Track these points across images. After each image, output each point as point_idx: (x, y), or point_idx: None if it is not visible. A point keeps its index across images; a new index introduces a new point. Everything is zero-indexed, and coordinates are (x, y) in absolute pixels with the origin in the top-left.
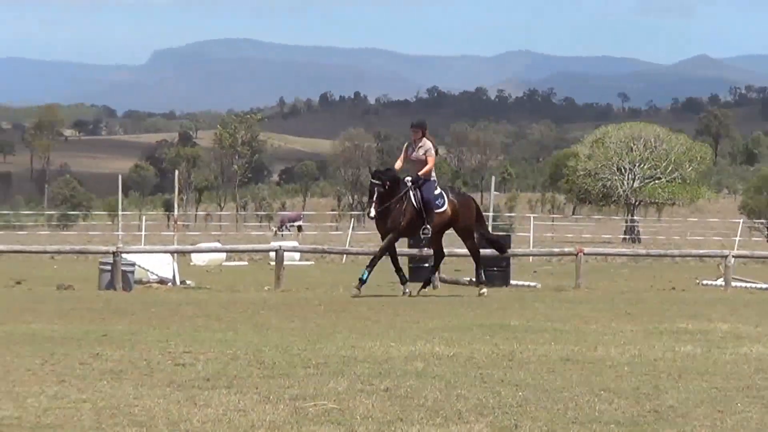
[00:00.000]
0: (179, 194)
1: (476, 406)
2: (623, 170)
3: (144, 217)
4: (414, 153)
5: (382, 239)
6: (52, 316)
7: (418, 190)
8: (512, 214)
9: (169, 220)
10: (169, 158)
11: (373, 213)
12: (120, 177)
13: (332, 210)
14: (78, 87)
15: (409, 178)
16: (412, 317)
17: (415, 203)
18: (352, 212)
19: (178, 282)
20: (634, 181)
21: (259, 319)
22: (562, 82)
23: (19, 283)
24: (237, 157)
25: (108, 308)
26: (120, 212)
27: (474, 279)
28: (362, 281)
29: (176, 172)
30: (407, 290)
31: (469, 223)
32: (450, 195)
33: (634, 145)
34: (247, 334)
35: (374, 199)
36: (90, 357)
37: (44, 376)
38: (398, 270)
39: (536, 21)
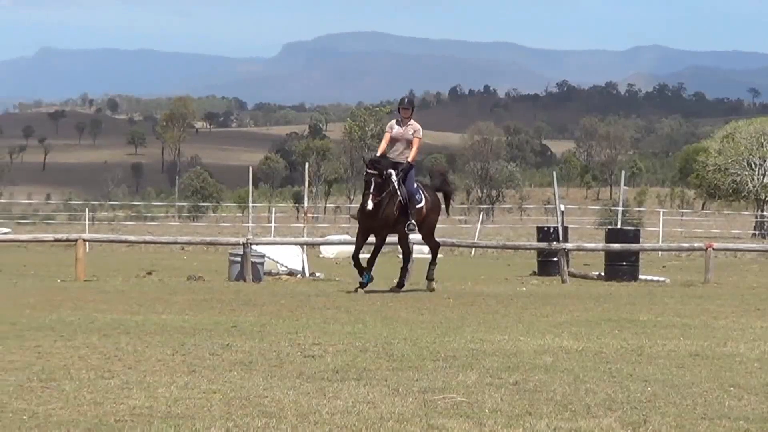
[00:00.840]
0: (309, 186)
1: (605, 401)
2: (753, 165)
3: (273, 209)
4: (403, 132)
5: (375, 235)
6: (182, 306)
7: (402, 182)
8: (641, 209)
9: (298, 212)
10: (299, 150)
11: (370, 205)
12: (250, 169)
13: (461, 203)
14: (209, 79)
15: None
16: (541, 311)
17: (401, 196)
18: (481, 206)
19: (307, 274)
20: (764, 177)
21: (387, 312)
22: (692, 77)
23: (150, 273)
24: (366, 149)
25: (237, 299)
26: (250, 204)
27: (602, 273)
28: (363, 285)
29: (306, 164)
30: (360, 289)
31: (434, 225)
32: (425, 192)
33: (764, 140)
34: (376, 326)
35: (371, 190)
36: (220, 348)
37: (175, 367)
38: (370, 266)
39: (667, 15)
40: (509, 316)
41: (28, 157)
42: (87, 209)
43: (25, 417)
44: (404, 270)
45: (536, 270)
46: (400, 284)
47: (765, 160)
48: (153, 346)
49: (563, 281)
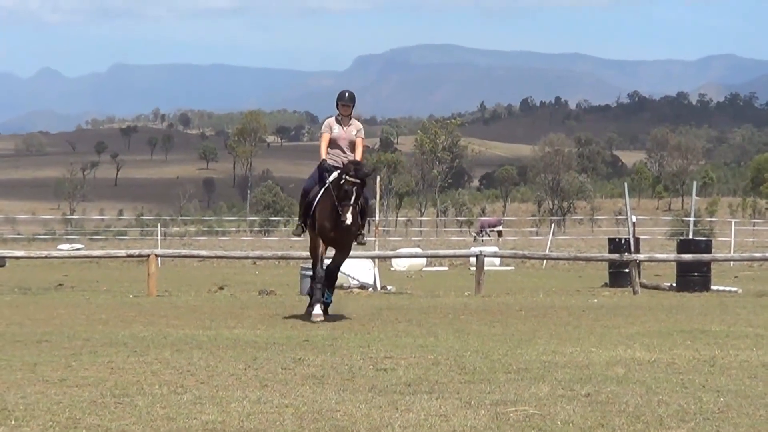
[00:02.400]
0: (380, 200)
1: (677, 412)
2: None
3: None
4: (345, 132)
5: (339, 248)
6: (254, 321)
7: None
8: (713, 219)
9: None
10: (370, 163)
11: (350, 219)
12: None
13: (532, 215)
14: (280, 93)
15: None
16: (613, 322)
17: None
18: (553, 217)
19: (378, 287)
20: None
21: (459, 324)
22: (765, 86)
23: (221, 288)
24: (437, 162)
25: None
26: None
27: (674, 284)
28: (326, 304)
29: (377, 177)
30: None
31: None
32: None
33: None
34: (447, 339)
35: (352, 202)
36: (292, 362)
37: (247, 381)
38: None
39: (741, 24)
40: (581, 327)
41: (100, 173)
42: (159, 224)
43: None
44: (324, 288)
45: (608, 281)
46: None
47: None
48: (225, 361)
49: (635, 292)
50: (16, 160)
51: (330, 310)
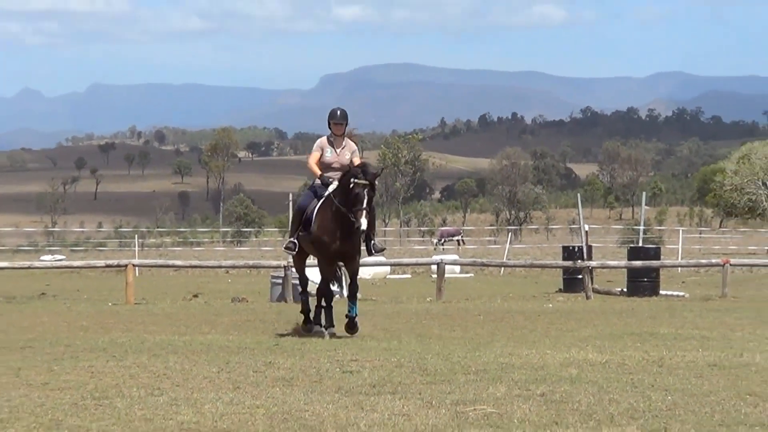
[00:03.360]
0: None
1: (627, 410)
2: None
3: None
4: (339, 156)
5: (347, 260)
6: (227, 327)
7: None
8: (662, 228)
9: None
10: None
11: (365, 225)
12: (290, 195)
13: (491, 225)
14: (250, 111)
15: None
16: (566, 326)
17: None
18: (510, 227)
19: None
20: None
21: (421, 329)
22: (710, 101)
23: (196, 296)
24: (400, 175)
25: (279, 319)
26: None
27: (624, 289)
28: (351, 318)
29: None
30: (329, 332)
31: None
32: None
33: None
34: (410, 342)
35: (364, 206)
36: (263, 365)
37: (220, 384)
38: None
39: (688, 43)
40: (536, 331)
41: (80, 187)
42: (136, 236)
43: None
44: (354, 290)
45: (562, 287)
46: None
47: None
48: (199, 365)
49: (588, 297)
50: (0, 175)
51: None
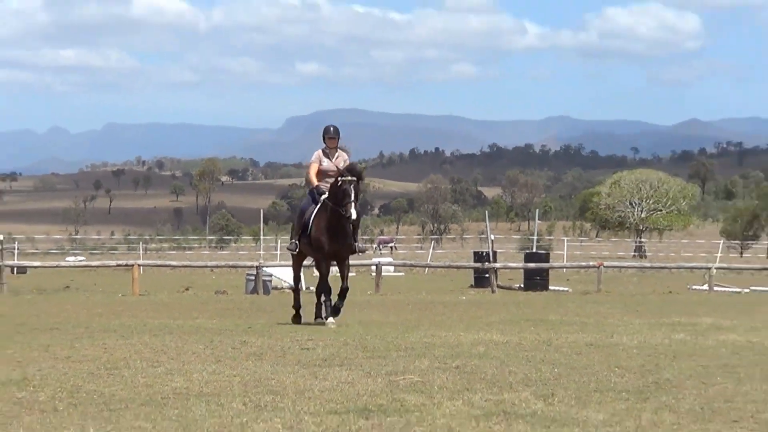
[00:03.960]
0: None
1: (523, 379)
2: (634, 204)
3: (279, 241)
4: (334, 163)
5: (339, 260)
6: (211, 313)
7: None
8: (551, 237)
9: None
10: (298, 197)
11: (354, 214)
12: (261, 211)
13: (417, 235)
14: (230, 145)
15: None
16: (476, 314)
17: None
18: (432, 236)
19: (304, 288)
20: (642, 213)
21: (362, 316)
22: (589, 140)
23: (187, 289)
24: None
25: (252, 308)
26: (261, 237)
27: (522, 285)
28: (336, 312)
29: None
30: (329, 322)
31: None
32: None
33: (642, 186)
34: (354, 326)
35: (352, 198)
36: (239, 343)
37: (205, 357)
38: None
39: (572, 93)
40: (453, 317)
41: (97, 204)
42: (141, 242)
43: (95, 396)
44: (345, 290)
45: (473, 283)
46: (336, 309)
47: (642, 201)
48: (189, 343)
49: (493, 291)
50: (35, 194)
51: (274, 307)
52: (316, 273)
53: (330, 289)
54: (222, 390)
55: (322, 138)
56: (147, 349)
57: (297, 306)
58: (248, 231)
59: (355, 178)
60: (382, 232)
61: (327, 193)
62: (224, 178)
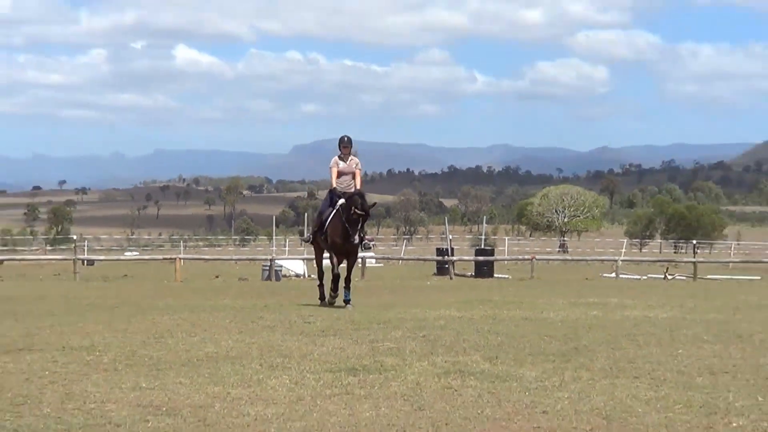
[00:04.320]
0: (307, 226)
1: (473, 346)
2: (558, 212)
3: (288, 240)
4: (346, 165)
5: (349, 256)
6: (235, 295)
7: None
8: (495, 237)
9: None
10: (302, 206)
11: (357, 240)
12: (274, 217)
13: (393, 235)
14: (250, 166)
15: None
16: (438, 295)
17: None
18: (405, 236)
19: (306, 276)
20: (564, 218)
21: (352, 297)
22: (524, 162)
23: (217, 277)
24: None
25: (266, 291)
26: (274, 237)
27: (473, 274)
28: (346, 301)
29: (305, 214)
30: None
31: None
32: None
33: (564, 197)
34: (345, 305)
35: (359, 227)
36: (256, 318)
37: (231, 329)
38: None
39: (511, 126)
40: (420, 298)
41: (148, 211)
42: (182, 241)
43: (146, 359)
44: (348, 280)
45: (436, 272)
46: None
47: (564, 209)
48: (218, 318)
49: (451, 278)
50: (100, 204)
51: (283, 291)
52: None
53: (339, 275)
54: (243, 354)
55: (338, 146)
56: (186, 322)
57: (321, 297)
58: (264, 232)
59: (364, 213)
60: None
61: (343, 199)
62: (245, 192)
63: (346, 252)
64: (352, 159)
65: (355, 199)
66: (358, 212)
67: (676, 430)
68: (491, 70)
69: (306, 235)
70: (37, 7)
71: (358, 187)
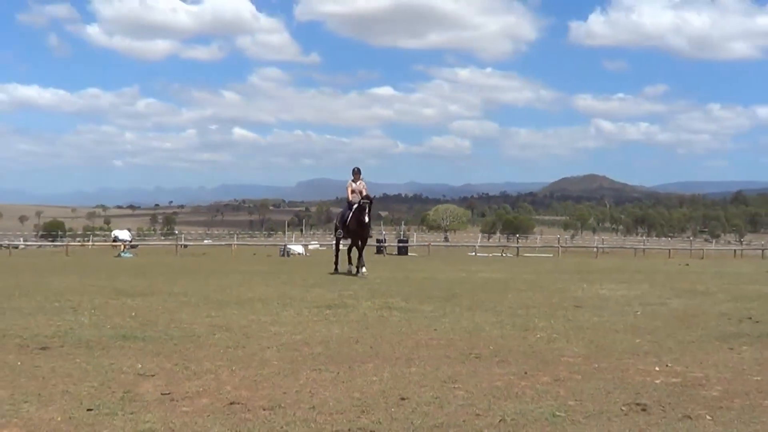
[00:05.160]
0: (305, 227)
1: (396, 292)
2: (443, 219)
3: (294, 235)
4: (357, 186)
5: (359, 240)
6: (263, 264)
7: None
8: (409, 233)
9: (302, 234)
10: (303, 215)
11: (367, 219)
12: (286, 222)
13: None
14: (273, 193)
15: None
16: (377, 266)
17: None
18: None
19: (306, 254)
20: (447, 222)
21: (328, 268)
22: (425, 191)
23: (254, 254)
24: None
25: (281, 262)
26: (286, 233)
27: (396, 253)
28: (362, 270)
29: (304, 219)
30: (355, 271)
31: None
32: None
33: (447, 211)
34: (324, 272)
35: (367, 211)
36: (275, 276)
37: (260, 283)
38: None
39: (418, 171)
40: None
41: (218, 218)
42: (235, 235)
43: (212, 300)
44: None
45: (376, 252)
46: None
47: (447, 218)
48: (253, 277)
49: (384, 256)
50: (192, 214)
51: (292, 263)
52: (311, 247)
53: (351, 258)
54: (268, 297)
55: (351, 173)
56: (235, 281)
57: (335, 269)
58: (280, 230)
59: (368, 200)
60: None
61: (356, 205)
62: (271, 207)
63: (361, 238)
64: (360, 182)
65: (363, 199)
66: (365, 201)
67: (507, 338)
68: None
69: (337, 231)
70: (159, 107)
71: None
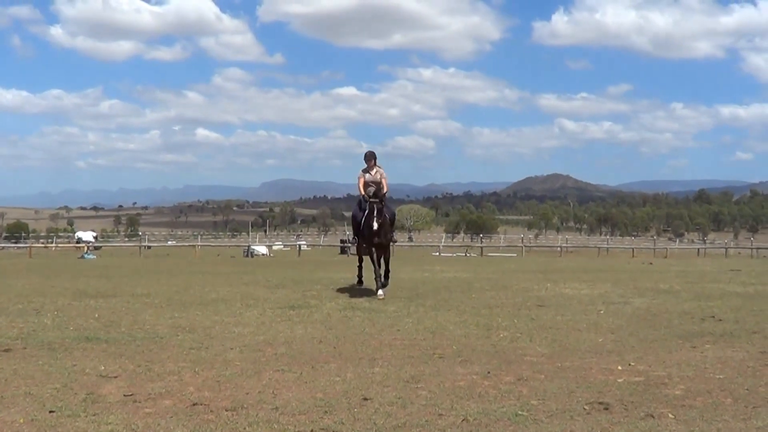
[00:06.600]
0: (268, 228)
1: (359, 292)
2: (408, 219)
3: (258, 236)
4: (371, 176)
5: (373, 247)
6: (227, 265)
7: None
8: None
9: (266, 235)
10: (267, 215)
11: (376, 225)
12: (250, 222)
13: (315, 233)
14: (237, 193)
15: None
16: (340, 266)
17: (388, 216)
18: (323, 233)
19: (270, 255)
20: (411, 222)
21: (295, 267)
22: (391, 191)
23: (218, 255)
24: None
25: (245, 263)
26: (249, 234)
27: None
28: (384, 286)
29: (268, 220)
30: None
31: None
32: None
33: (411, 211)
34: (289, 272)
35: (375, 214)
36: (238, 277)
37: (223, 284)
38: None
39: (381, 163)
40: (331, 267)
41: (182, 219)
42: (199, 236)
43: (178, 301)
44: (387, 271)
45: (339, 252)
46: (384, 284)
47: (411, 217)
48: (217, 278)
49: (348, 256)
50: (155, 215)
51: (255, 264)
52: (275, 248)
53: (376, 269)
54: (231, 298)
55: (364, 160)
56: (200, 280)
57: (359, 281)
58: (245, 230)
59: (378, 200)
60: (299, 236)
61: (368, 204)
62: (235, 208)
63: (378, 245)
64: (377, 170)
65: (371, 200)
66: (372, 200)
67: (471, 337)
68: (373, 141)
69: (353, 238)
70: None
71: (385, 190)
